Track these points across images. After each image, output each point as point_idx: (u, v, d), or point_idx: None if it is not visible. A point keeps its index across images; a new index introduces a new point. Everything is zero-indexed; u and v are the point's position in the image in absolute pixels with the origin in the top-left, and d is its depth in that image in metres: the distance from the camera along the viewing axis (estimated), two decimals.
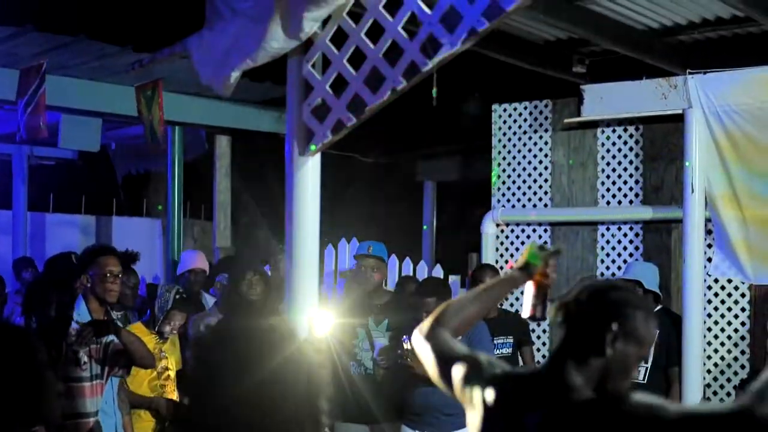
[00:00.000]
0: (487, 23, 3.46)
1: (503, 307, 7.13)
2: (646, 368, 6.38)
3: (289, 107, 3.95)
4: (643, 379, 6.36)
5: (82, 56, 7.05)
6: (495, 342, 6.37)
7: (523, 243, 7.66)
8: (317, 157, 3.92)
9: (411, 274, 8.23)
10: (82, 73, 7.52)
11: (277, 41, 3.81)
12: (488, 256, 7.78)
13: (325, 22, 3.85)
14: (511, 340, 6.56)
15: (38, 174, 10.98)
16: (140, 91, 6.61)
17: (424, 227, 12.14)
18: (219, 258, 9.32)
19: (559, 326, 2.73)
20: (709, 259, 6.58)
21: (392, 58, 3.68)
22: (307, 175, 3.90)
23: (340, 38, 3.83)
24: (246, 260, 7.44)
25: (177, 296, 5.82)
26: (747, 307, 6.55)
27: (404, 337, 6.07)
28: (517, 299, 7.59)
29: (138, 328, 5.77)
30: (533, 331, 7.39)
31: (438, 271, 8.00)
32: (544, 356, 7.42)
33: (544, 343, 7.47)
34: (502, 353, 6.45)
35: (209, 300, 7.44)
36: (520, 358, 6.70)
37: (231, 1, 3.92)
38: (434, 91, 3.53)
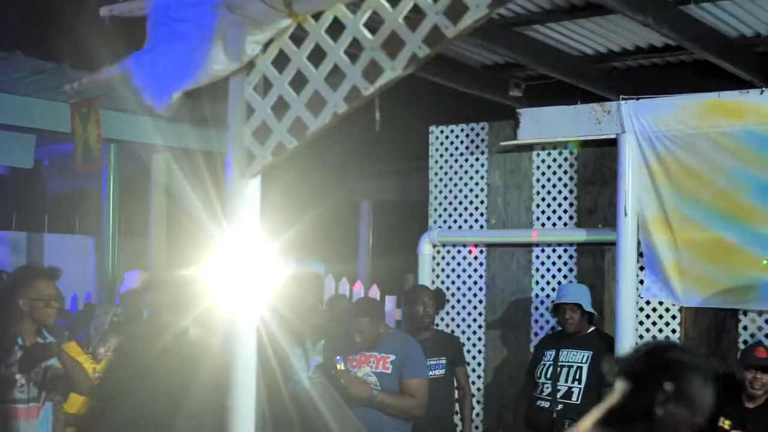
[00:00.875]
0: (428, 50, 3.49)
1: (437, 326, 7.18)
2: (580, 389, 6.48)
3: (231, 129, 3.93)
4: (577, 400, 6.46)
5: (15, 72, 6.97)
6: (428, 363, 6.39)
7: (459, 264, 7.73)
8: (257, 179, 3.92)
9: (348, 294, 8.25)
10: (16, 88, 7.43)
11: (218, 63, 3.81)
12: (425, 276, 7.83)
13: (267, 44, 3.85)
14: (444, 361, 6.60)
15: None
16: (75, 109, 6.56)
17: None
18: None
19: (613, 383, 2.51)
20: (641, 282, 6.69)
21: (334, 82, 3.69)
22: (248, 198, 3.89)
23: (282, 61, 3.84)
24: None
25: (114, 318, 5.78)
26: (677, 328, 6.68)
27: (338, 357, 6.09)
28: (452, 319, 7.65)
29: (72, 347, 5.70)
30: (468, 351, 7.45)
31: (375, 291, 8.04)
32: (479, 376, 7.49)
33: (479, 363, 7.52)
34: (435, 374, 6.48)
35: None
36: (454, 379, 6.75)
37: (172, 23, 3.91)
38: (377, 115, 3.54)
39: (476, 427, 7.29)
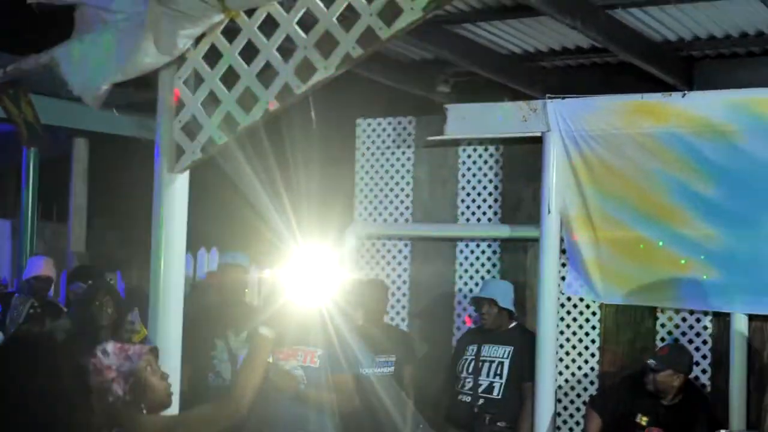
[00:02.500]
0: (362, 50, 3.51)
1: (388, 321, 7.16)
2: (501, 384, 6.56)
3: (159, 123, 3.91)
4: (498, 395, 6.54)
5: None
6: (376, 360, 6.41)
7: (383, 257, 7.75)
8: (186, 174, 3.89)
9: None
10: None
11: (149, 56, 3.78)
12: (350, 269, 7.83)
13: (199, 39, 3.83)
14: (394, 359, 6.58)
15: None
16: (2, 92, 6.45)
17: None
18: (74, 265, 9.10)
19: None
20: (563, 278, 6.80)
21: (266, 79, 3.69)
22: (176, 193, 3.87)
23: (214, 56, 3.82)
24: (98, 278, 7.20)
25: (31, 310, 5.67)
26: (597, 325, 6.80)
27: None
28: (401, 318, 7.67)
29: None
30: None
31: None
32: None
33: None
34: (383, 372, 6.49)
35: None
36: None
37: (102, 14, 3.86)
38: (312, 114, 3.56)
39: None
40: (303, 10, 3.63)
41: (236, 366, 6.38)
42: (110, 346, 3.24)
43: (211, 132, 3.77)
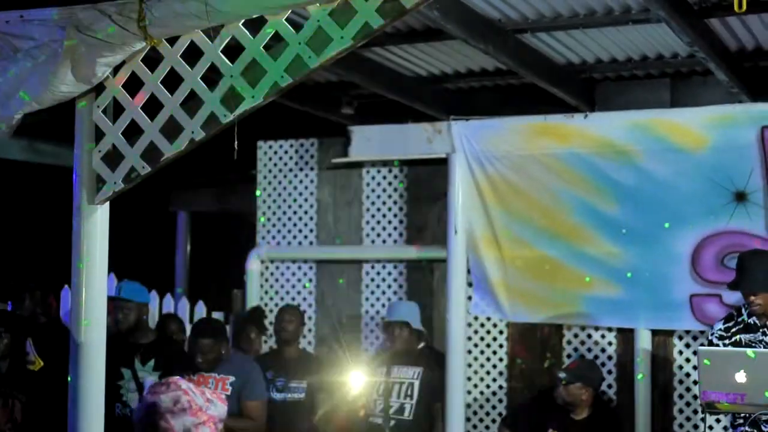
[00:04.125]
0: (290, 79, 3.49)
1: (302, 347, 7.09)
2: (411, 405, 6.57)
3: (77, 153, 3.80)
4: (409, 416, 6.55)
5: None
6: (289, 385, 6.36)
7: (288, 280, 7.70)
8: (106, 205, 3.79)
9: (172, 310, 8.07)
10: None
11: (66, 85, 3.67)
12: (253, 293, 7.76)
13: (118, 67, 3.74)
14: (305, 384, 6.51)
15: None
16: None
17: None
18: None
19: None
20: (470, 298, 6.86)
21: (191, 108, 3.62)
22: (96, 224, 3.76)
23: (135, 85, 3.73)
24: None
25: None
26: (505, 343, 6.88)
27: (177, 377, 5.94)
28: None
29: None
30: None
31: (201, 308, 7.90)
32: None
33: None
34: (294, 397, 6.43)
35: None
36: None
37: (14, 41, 3.73)
38: (236, 143, 3.50)
39: None
40: (228, 39, 3.58)
41: (143, 394, 6.24)
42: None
43: (133, 162, 3.68)
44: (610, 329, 6.59)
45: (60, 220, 3.96)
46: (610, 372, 6.56)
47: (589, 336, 6.65)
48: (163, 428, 2.87)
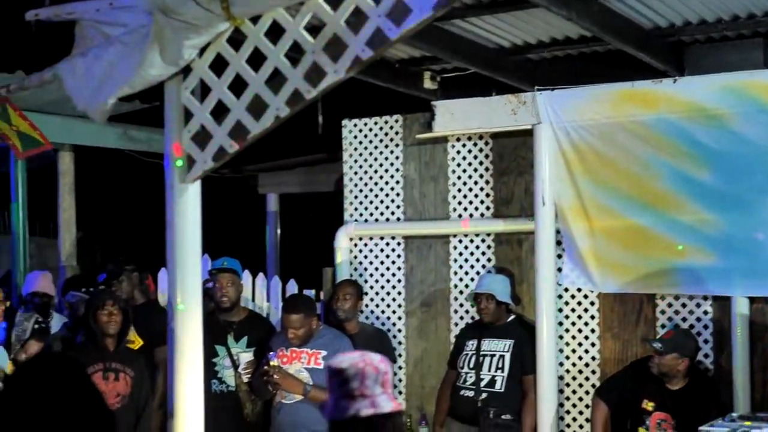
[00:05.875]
0: (372, 52, 3.50)
1: (363, 320, 7.18)
2: (503, 377, 6.58)
3: (167, 134, 3.88)
4: (501, 388, 6.56)
5: None
6: None
7: (376, 256, 7.75)
8: (197, 183, 3.87)
9: (264, 289, 8.20)
10: None
11: (154, 68, 3.74)
12: (343, 270, 7.82)
13: (204, 48, 3.80)
14: None
15: None
16: None
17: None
18: (66, 276, 9.01)
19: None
20: (559, 269, 6.81)
21: (275, 85, 3.67)
22: (189, 202, 3.84)
23: (220, 65, 3.79)
24: (101, 285, 7.13)
25: (36, 326, 5.61)
26: (596, 314, 6.82)
27: (270, 353, 6.06)
28: (371, 311, 7.66)
29: None
30: (395, 348, 7.39)
31: (292, 286, 8.00)
32: (400, 367, 7.49)
33: (400, 355, 7.53)
34: None
35: (58, 320, 7.16)
36: None
37: (104, 28, 3.82)
38: (320, 118, 3.53)
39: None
40: (309, 15, 3.61)
41: (238, 371, 6.38)
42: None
43: (221, 141, 3.75)
44: (705, 298, 6.48)
45: (157, 203, 4.05)
46: (706, 341, 6.45)
47: (684, 305, 6.55)
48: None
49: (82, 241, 11.65)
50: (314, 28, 3.60)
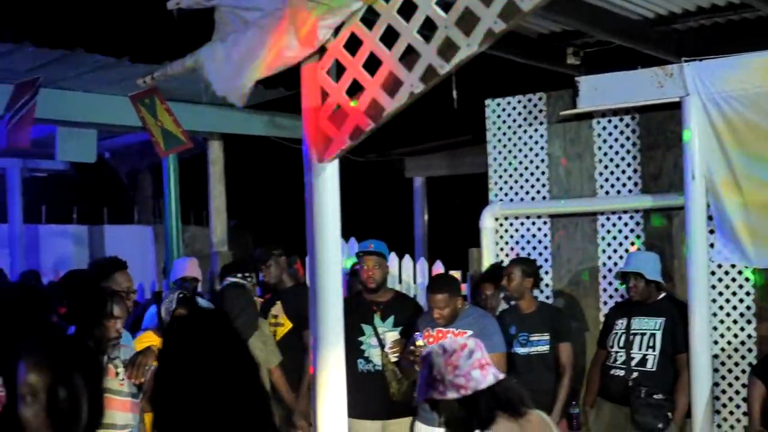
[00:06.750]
0: (504, 24, 3.47)
1: (539, 299, 7.10)
2: (654, 356, 6.44)
3: (305, 114, 3.95)
4: (652, 367, 6.42)
5: (76, 69, 7.03)
6: (530, 339, 6.40)
7: (522, 236, 7.70)
8: (335, 162, 3.93)
9: (410, 271, 8.26)
10: (77, 85, 7.50)
11: (291, 50, 3.82)
12: (488, 250, 7.80)
13: (338, 29, 3.85)
14: (548, 337, 6.54)
15: (30, 186, 10.97)
16: (137, 100, 6.59)
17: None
18: (219, 265, 9.28)
19: None
20: (712, 245, 6.61)
21: (409, 62, 3.69)
22: (327, 181, 3.91)
23: (354, 44, 3.84)
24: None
25: (180, 295, 5.79)
26: (751, 291, 6.60)
27: (416, 333, 6.10)
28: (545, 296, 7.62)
29: (149, 337, 5.74)
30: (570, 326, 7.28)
31: (439, 267, 8.03)
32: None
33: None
34: (537, 351, 6.48)
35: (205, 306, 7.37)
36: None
37: (242, 13, 3.92)
38: (454, 93, 3.54)
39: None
40: None
41: (384, 351, 6.45)
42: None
43: (357, 119, 3.79)
44: None
45: (303, 189, 4.12)
46: None
47: None
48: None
49: (234, 230, 12.00)
50: (446, 4, 3.61)
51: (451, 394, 3.16)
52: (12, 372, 2.58)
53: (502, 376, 3.26)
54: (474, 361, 3.20)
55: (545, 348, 6.52)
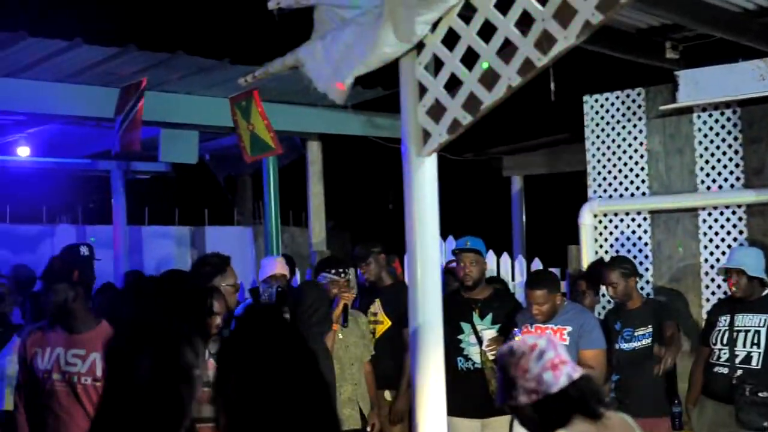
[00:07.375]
0: (602, 16, 3.47)
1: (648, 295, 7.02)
2: (759, 353, 6.31)
3: (404, 109, 4.00)
4: (757, 365, 6.29)
5: (178, 72, 7.20)
6: (635, 333, 6.34)
7: (622, 232, 7.63)
8: (434, 156, 3.97)
9: (508, 268, 8.25)
10: (179, 87, 7.68)
11: (389, 46, 3.87)
12: (587, 247, 7.75)
13: (435, 24, 3.89)
14: (651, 330, 6.47)
15: (133, 188, 11.25)
16: (234, 103, 6.72)
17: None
18: (318, 259, 9.40)
19: None
20: None
21: (506, 56, 3.71)
22: (425, 176, 3.95)
23: (451, 39, 3.87)
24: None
25: (279, 289, 5.90)
26: None
27: (515, 330, 6.10)
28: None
29: None
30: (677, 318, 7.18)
31: (537, 264, 8.01)
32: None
33: None
34: (641, 344, 6.41)
35: None
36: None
37: (341, 11, 3.99)
38: (552, 85, 3.54)
39: None
40: None
41: (482, 348, 6.45)
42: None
43: (455, 113, 3.82)
44: None
45: (402, 189, 4.16)
46: None
47: None
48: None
49: (332, 230, 12.12)
50: None
51: (523, 399, 3.07)
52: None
53: (577, 375, 3.11)
54: (546, 362, 3.07)
55: (649, 341, 6.44)
